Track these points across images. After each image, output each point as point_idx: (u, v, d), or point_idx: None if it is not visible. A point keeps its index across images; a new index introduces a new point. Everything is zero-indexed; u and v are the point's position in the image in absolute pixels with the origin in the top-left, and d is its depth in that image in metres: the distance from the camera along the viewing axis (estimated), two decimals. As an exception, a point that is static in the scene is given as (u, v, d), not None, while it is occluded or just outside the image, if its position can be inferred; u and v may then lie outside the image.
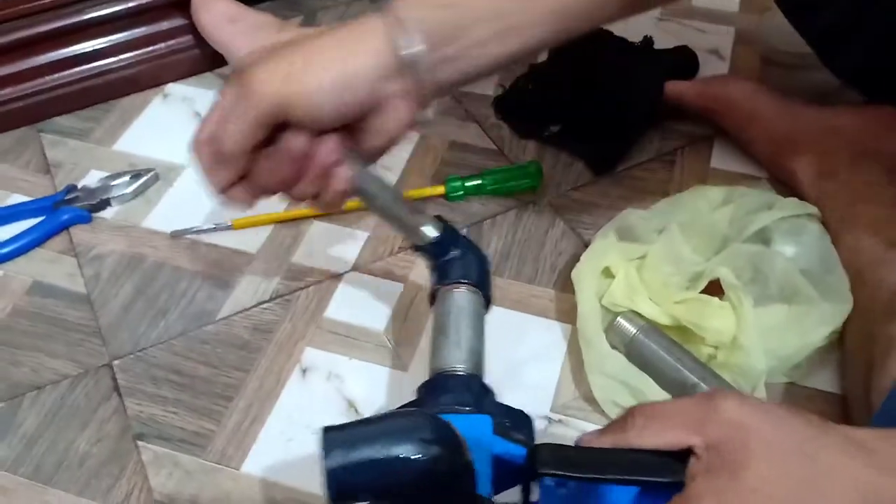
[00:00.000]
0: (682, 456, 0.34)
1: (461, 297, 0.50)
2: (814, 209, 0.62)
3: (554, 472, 0.35)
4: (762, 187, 0.70)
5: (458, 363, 0.46)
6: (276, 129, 0.43)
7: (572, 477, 0.35)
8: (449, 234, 0.52)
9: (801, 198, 0.63)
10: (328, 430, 0.31)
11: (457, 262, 0.52)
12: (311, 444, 0.56)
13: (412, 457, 0.30)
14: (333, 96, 0.42)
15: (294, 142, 0.42)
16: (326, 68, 0.41)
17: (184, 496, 0.53)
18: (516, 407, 0.45)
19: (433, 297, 0.51)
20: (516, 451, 0.41)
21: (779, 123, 0.70)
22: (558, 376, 0.59)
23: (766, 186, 0.70)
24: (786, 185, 0.69)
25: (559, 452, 0.36)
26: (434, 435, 0.31)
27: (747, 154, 0.73)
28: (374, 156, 0.48)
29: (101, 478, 0.54)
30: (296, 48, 0.42)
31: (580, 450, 0.37)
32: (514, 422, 0.43)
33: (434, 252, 0.52)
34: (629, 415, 0.36)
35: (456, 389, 0.45)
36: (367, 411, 0.58)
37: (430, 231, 0.51)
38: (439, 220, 0.52)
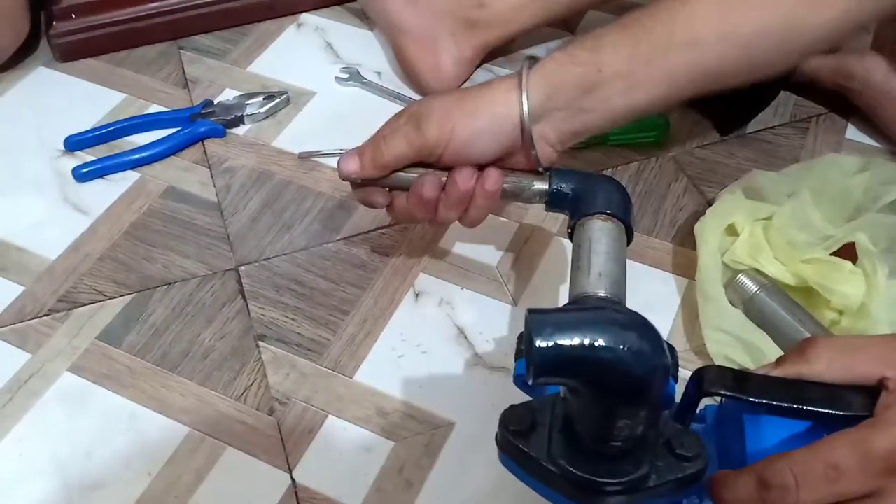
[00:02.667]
0: (866, 392, 0.33)
1: (592, 226, 0.49)
2: (954, 186, 0.59)
3: (724, 392, 0.35)
4: (898, 165, 0.67)
5: (596, 289, 0.45)
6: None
7: (744, 400, 0.34)
8: (561, 179, 0.52)
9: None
10: (535, 312, 0.31)
11: (583, 196, 0.51)
12: (420, 363, 0.58)
13: (616, 347, 0.30)
14: (484, 141, 0.51)
15: (462, 174, 0.52)
16: (474, 123, 0.51)
17: (299, 396, 0.56)
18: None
19: (571, 235, 0.51)
20: None
21: None
22: (670, 328, 0.59)
23: (903, 165, 0.68)
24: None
25: (727, 374, 0.35)
26: (641, 332, 0.31)
27: (882, 134, 0.71)
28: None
29: (222, 371, 0.57)
30: (451, 108, 0.51)
31: (747, 374, 0.36)
32: None
33: (557, 201, 0.53)
34: (808, 347, 0.35)
35: None
36: (477, 339, 0.59)
37: (541, 185, 0.53)
38: (546, 172, 0.53)
